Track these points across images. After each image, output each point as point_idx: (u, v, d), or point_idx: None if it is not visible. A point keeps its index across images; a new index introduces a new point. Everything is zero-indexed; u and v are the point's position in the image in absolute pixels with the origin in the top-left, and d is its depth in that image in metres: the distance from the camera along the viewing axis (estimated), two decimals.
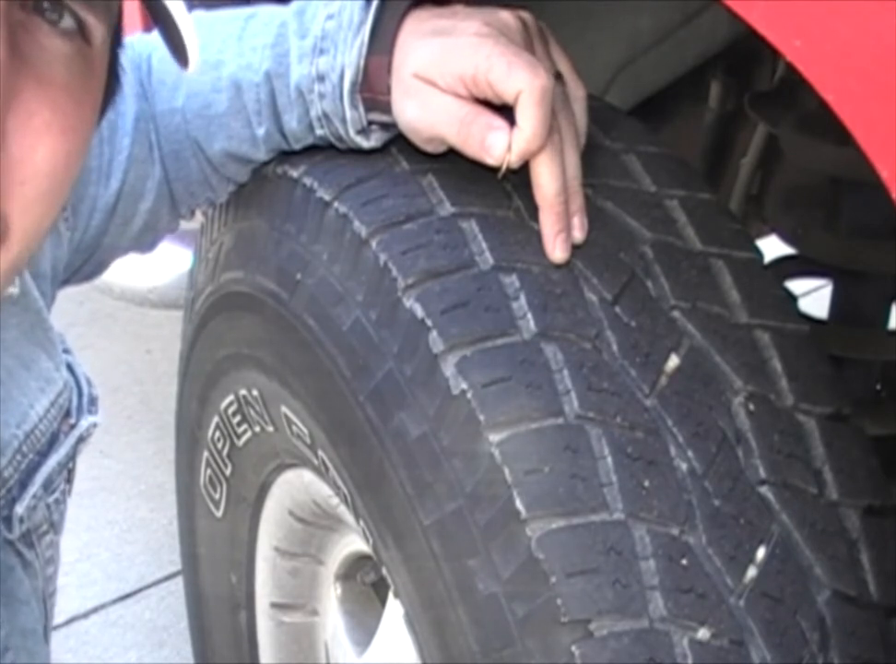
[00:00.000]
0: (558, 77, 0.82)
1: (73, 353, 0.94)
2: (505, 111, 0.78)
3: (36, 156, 0.61)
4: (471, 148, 0.80)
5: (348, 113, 0.86)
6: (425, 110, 0.81)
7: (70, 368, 0.92)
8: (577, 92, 0.84)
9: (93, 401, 0.94)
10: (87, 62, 0.63)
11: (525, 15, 0.83)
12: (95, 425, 0.94)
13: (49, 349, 0.89)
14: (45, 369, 0.88)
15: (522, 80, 0.76)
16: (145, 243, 1.05)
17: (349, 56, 0.85)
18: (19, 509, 0.86)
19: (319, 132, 0.90)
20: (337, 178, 0.88)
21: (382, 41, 0.84)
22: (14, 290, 0.84)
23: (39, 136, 0.61)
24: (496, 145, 0.78)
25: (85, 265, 1.01)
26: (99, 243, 0.99)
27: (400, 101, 0.83)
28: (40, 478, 0.88)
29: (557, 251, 0.80)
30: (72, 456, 0.92)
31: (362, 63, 0.84)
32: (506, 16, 0.82)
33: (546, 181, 0.80)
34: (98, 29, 0.63)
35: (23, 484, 0.86)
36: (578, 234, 0.81)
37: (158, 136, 0.97)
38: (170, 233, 1.07)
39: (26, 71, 0.60)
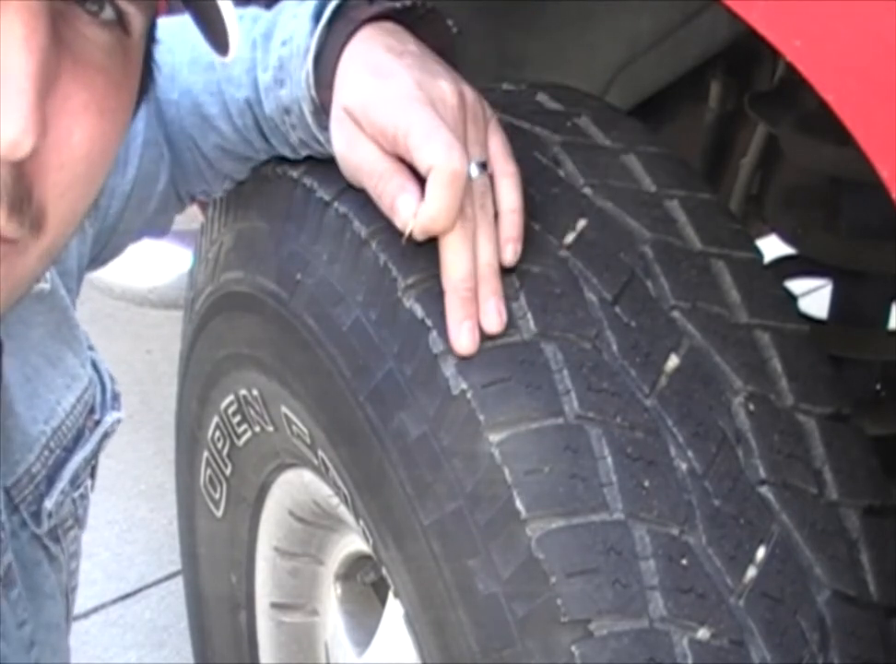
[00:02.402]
0: (483, 166, 0.79)
1: (96, 350, 0.95)
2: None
3: (73, 138, 0.60)
4: (383, 205, 0.79)
5: (321, 137, 0.86)
6: (350, 151, 0.81)
7: (94, 365, 0.93)
8: (507, 168, 0.81)
9: (116, 397, 0.96)
10: (125, 52, 0.63)
11: (468, 90, 0.81)
12: (119, 421, 0.95)
13: (75, 347, 0.90)
14: (71, 366, 0.89)
15: (435, 156, 0.74)
16: (158, 225, 1.06)
17: (301, 90, 0.84)
18: (48, 504, 0.87)
19: (304, 152, 0.90)
20: (337, 178, 0.88)
21: (325, 73, 0.82)
22: (45, 285, 0.85)
23: (76, 118, 0.60)
24: (403, 209, 0.76)
25: (102, 251, 1.02)
26: (115, 228, 1.00)
27: (333, 129, 0.83)
28: (67, 473, 0.89)
29: (462, 339, 0.76)
30: (96, 452, 0.94)
31: (313, 94, 0.83)
32: (447, 86, 0.79)
33: (450, 264, 0.77)
34: (137, 20, 0.62)
35: (51, 480, 0.88)
36: (492, 319, 0.77)
37: (158, 122, 0.98)
38: (178, 213, 1.07)
39: (65, 56, 0.59)
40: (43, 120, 0.56)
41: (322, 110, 0.84)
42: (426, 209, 0.75)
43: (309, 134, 0.87)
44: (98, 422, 0.93)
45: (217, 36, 0.64)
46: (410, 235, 0.77)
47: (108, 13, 0.61)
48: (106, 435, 0.94)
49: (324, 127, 0.84)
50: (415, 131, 0.75)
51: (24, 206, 0.59)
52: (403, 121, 0.76)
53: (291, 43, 0.85)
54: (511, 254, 0.78)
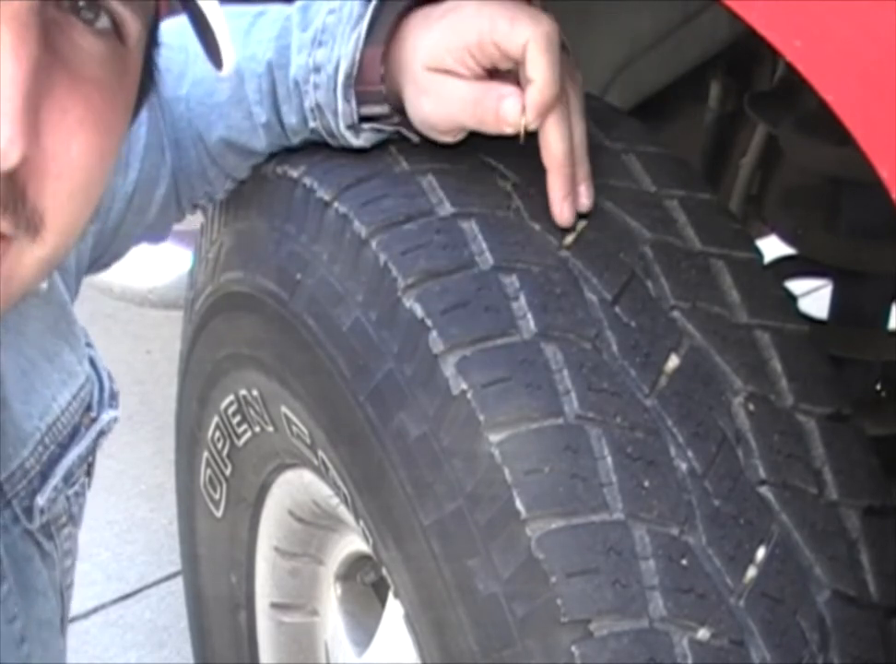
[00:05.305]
0: (563, 47, 0.82)
1: (95, 348, 0.95)
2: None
3: (71, 151, 0.61)
4: (488, 124, 0.81)
5: (340, 106, 0.87)
6: (439, 102, 0.83)
7: (92, 362, 0.93)
8: (574, 72, 0.85)
9: (114, 396, 0.95)
10: (121, 61, 0.63)
11: None
12: (116, 419, 0.95)
13: (72, 343, 0.90)
14: (68, 362, 0.89)
15: (526, 30, 0.78)
16: (158, 230, 1.06)
17: (346, 48, 0.86)
18: (40, 500, 0.87)
19: (312, 124, 0.91)
20: (337, 178, 0.88)
21: (378, 33, 0.85)
22: (42, 285, 0.85)
23: (73, 132, 0.61)
24: (510, 110, 0.79)
25: (103, 255, 1.02)
26: (117, 231, 1.00)
27: (415, 100, 0.84)
28: (60, 470, 0.89)
29: (565, 214, 0.82)
30: (92, 450, 0.93)
31: (358, 55, 0.85)
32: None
33: (554, 141, 0.81)
34: (133, 28, 0.63)
35: (44, 476, 0.87)
36: (585, 201, 0.83)
37: (164, 123, 0.98)
38: (177, 223, 1.07)
39: (59, 68, 0.60)
40: (32, 129, 0.57)
41: (357, 77, 0.86)
42: (534, 86, 0.78)
43: (329, 97, 0.87)
44: (94, 420, 0.92)
45: (213, 47, 0.64)
46: (525, 131, 0.80)
47: (103, 21, 0.61)
48: (102, 433, 0.93)
49: (347, 98, 0.86)
50: (498, 22, 0.79)
51: (18, 207, 0.59)
52: (484, 22, 0.79)
53: (340, 12, 0.88)
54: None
